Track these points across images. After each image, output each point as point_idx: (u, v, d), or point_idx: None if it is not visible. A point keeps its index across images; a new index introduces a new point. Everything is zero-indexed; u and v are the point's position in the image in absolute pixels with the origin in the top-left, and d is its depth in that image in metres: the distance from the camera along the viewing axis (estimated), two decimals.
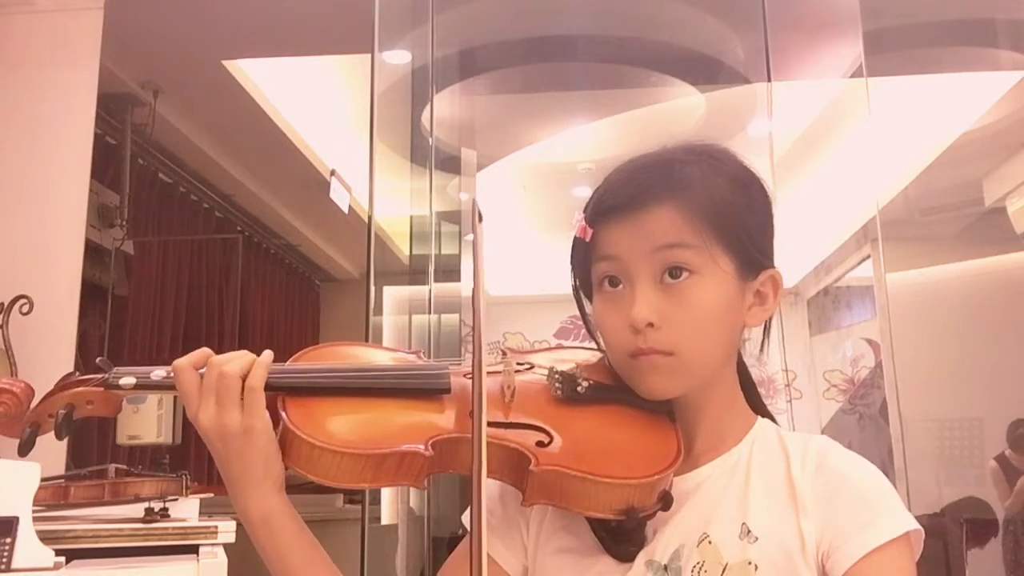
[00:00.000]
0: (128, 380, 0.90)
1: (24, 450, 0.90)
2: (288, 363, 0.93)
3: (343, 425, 0.88)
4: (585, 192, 0.94)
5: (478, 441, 0.73)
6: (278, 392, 0.89)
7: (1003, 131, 3.97)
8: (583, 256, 0.93)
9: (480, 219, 0.76)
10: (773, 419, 0.97)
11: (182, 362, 0.89)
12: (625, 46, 3.74)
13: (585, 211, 0.92)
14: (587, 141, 4.30)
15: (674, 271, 0.87)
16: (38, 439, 0.92)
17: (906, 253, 3.91)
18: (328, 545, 0.93)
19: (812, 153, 4.22)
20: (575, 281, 0.96)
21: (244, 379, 0.87)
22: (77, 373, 0.94)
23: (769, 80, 3.36)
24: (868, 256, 4.01)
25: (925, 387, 3.71)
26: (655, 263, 0.87)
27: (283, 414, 0.87)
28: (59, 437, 0.91)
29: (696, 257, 0.87)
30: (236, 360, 0.88)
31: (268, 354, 0.90)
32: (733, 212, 0.89)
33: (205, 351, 0.90)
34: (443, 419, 0.88)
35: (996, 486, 3.55)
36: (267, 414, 0.88)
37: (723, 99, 3.94)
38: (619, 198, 0.89)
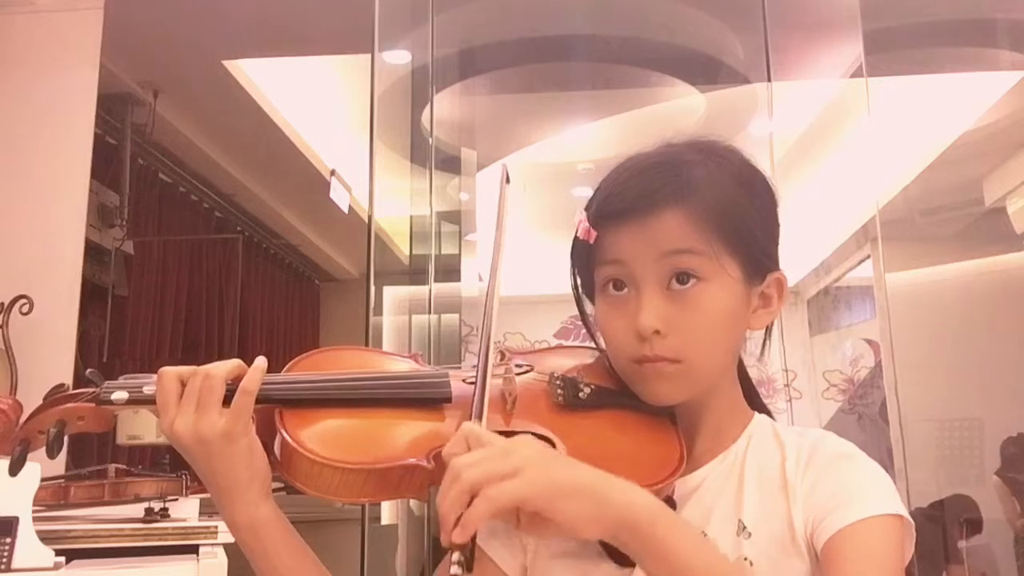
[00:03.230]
0: (120, 395, 0.86)
1: (15, 469, 0.87)
2: (283, 372, 0.90)
3: (343, 439, 0.85)
4: (585, 192, 0.93)
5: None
6: (274, 405, 0.86)
7: (1003, 131, 3.97)
8: (586, 258, 0.90)
9: (508, 180, 0.74)
10: (769, 413, 0.96)
11: (168, 369, 0.85)
12: (625, 46, 3.74)
13: (587, 211, 0.89)
14: (587, 141, 4.30)
15: (682, 277, 0.86)
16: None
17: (906, 253, 3.90)
18: (328, 545, 0.92)
19: (812, 153, 4.22)
20: (576, 281, 0.94)
21: (232, 383, 0.84)
22: (66, 386, 0.90)
23: (769, 80, 3.35)
24: (868, 256, 4.01)
25: (925, 387, 3.69)
26: (662, 269, 0.86)
27: (281, 428, 0.84)
28: (51, 456, 0.87)
29: (704, 263, 0.85)
30: (223, 364, 0.86)
31: (262, 360, 0.87)
32: (741, 216, 0.87)
33: (194, 367, 0.87)
34: (444, 429, 0.86)
35: (1002, 502, 3.44)
36: (251, 421, 0.85)
37: (723, 99, 3.94)
38: (625, 201, 0.86)
